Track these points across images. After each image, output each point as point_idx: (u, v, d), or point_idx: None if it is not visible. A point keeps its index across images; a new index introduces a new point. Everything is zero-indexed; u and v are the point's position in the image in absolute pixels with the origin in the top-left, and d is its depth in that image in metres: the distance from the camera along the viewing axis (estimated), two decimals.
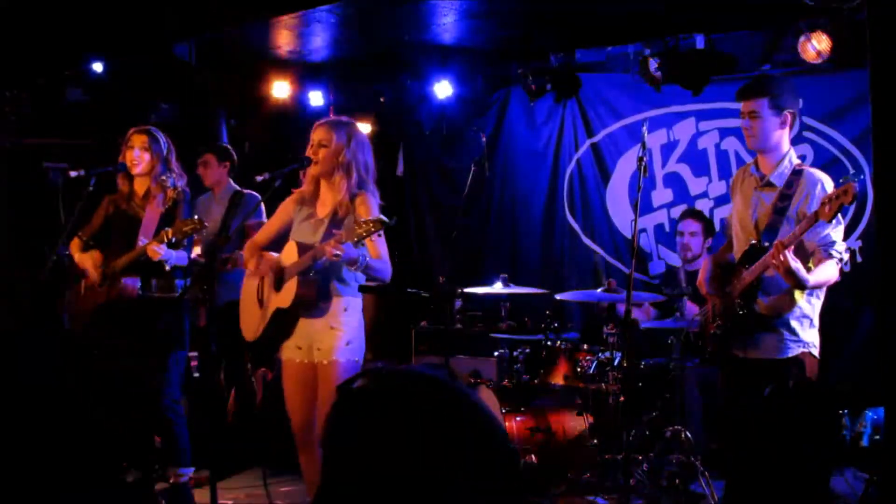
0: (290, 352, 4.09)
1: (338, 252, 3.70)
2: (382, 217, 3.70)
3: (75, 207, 4.73)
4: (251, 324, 4.21)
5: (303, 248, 3.97)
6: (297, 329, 4.05)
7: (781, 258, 3.61)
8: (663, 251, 6.66)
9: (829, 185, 3.89)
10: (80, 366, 4.74)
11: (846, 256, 3.92)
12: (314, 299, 3.97)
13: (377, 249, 3.94)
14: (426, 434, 1.07)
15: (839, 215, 3.86)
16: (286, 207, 4.22)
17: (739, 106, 4.04)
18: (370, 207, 3.95)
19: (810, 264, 3.83)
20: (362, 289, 4.05)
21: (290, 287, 3.97)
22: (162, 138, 4.86)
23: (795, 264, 3.63)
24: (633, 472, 4.92)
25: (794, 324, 3.88)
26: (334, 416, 1.14)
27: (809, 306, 3.91)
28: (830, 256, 3.78)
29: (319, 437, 3.07)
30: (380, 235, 3.82)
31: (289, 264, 4.02)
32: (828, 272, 3.79)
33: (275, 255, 4.16)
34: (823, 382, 3.64)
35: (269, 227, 4.28)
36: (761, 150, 4.00)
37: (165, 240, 4.51)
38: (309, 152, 4.05)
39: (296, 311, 4.02)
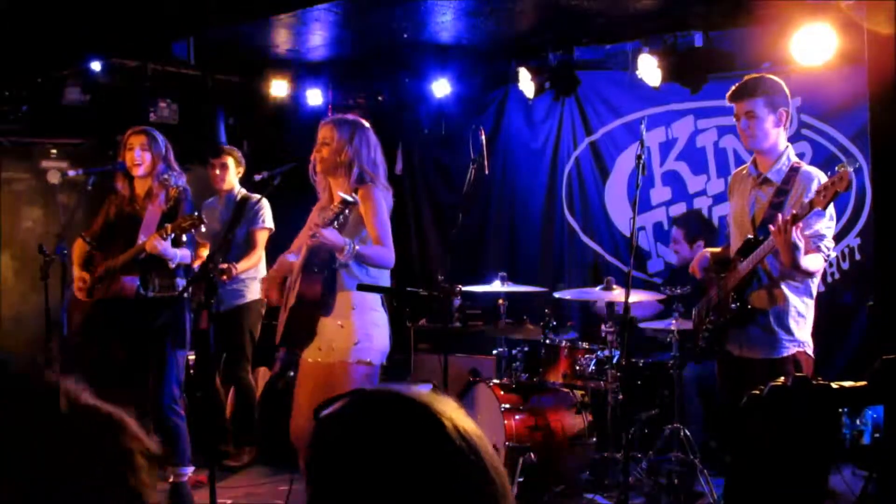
0: (309, 352, 4.04)
1: (314, 235, 3.73)
2: (344, 196, 3.72)
3: (74, 207, 4.73)
4: (279, 327, 4.20)
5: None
6: (318, 329, 4.02)
7: (787, 233, 3.59)
8: (662, 249, 6.66)
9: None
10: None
11: (833, 255, 3.92)
12: (319, 295, 3.96)
13: (376, 233, 3.93)
14: (400, 460, 1.06)
15: (832, 212, 3.87)
16: (312, 215, 4.23)
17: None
18: (373, 200, 3.94)
19: None
20: (361, 287, 4.02)
21: (296, 284, 3.98)
22: (160, 137, 4.85)
23: (798, 240, 3.62)
24: (632, 471, 4.93)
25: (789, 323, 3.89)
26: (312, 442, 1.13)
27: (804, 305, 3.92)
28: (819, 250, 3.80)
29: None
30: (347, 217, 3.80)
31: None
32: (816, 263, 3.80)
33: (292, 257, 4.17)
34: (822, 380, 3.63)
35: (300, 237, 4.25)
36: (759, 150, 4.00)
37: (165, 236, 4.51)
38: (314, 151, 4.08)
39: (310, 310, 3.98)
